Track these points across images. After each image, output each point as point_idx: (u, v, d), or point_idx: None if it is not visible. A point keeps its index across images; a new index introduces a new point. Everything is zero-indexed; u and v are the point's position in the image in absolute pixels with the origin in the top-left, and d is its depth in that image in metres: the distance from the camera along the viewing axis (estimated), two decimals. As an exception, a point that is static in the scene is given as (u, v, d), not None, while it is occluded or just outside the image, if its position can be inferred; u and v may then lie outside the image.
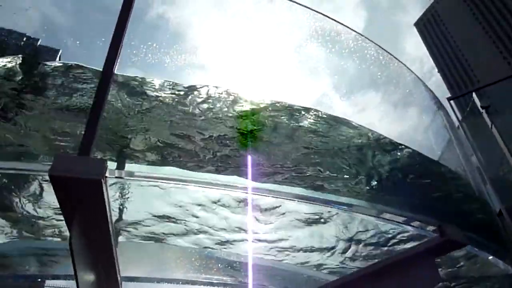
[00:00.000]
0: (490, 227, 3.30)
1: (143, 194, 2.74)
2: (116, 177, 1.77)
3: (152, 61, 2.54)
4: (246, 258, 3.76)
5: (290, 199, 2.36)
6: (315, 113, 2.72)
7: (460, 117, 4.76)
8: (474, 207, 3.34)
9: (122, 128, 2.31)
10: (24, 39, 2.81)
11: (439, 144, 3.94)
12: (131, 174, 1.93)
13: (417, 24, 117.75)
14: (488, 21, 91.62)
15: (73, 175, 1.32)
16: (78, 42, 2.82)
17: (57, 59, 2.76)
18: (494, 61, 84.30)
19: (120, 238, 3.25)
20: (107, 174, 1.45)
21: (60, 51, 2.84)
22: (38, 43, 2.81)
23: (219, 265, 4.02)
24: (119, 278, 2.11)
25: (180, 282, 4.27)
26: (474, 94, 4.90)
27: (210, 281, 4.24)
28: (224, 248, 3.56)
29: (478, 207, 3.39)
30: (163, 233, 3.26)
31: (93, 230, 1.56)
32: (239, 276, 4.22)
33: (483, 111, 4.68)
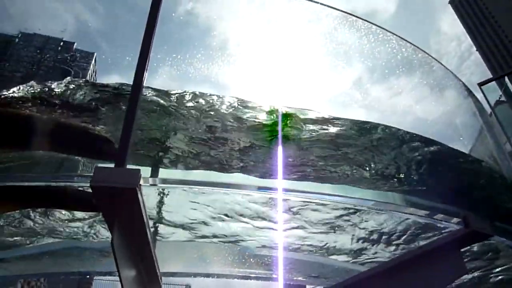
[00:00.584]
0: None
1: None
2: (150, 185, 1.92)
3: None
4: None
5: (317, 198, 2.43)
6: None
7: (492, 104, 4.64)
8: (505, 197, 3.29)
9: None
10: (61, 43, 2.98)
11: (469, 133, 3.88)
12: (165, 181, 2.10)
13: (452, 2, 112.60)
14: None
15: (111, 185, 1.48)
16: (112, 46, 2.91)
17: (93, 61, 2.94)
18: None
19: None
20: (141, 183, 1.60)
21: (95, 54, 3.03)
22: (74, 46, 2.98)
23: (252, 260, 4.15)
24: (158, 273, 2.30)
25: (216, 276, 4.46)
26: (506, 78, 4.75)
27: (244, 274, 4.38)
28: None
29: (510, 196, 3.33)
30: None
31: (131, 232, 1.73)
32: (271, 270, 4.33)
33: (517, 96, 4.54)
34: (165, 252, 3.75)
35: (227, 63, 2.85)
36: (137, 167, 1.66)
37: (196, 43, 2.92)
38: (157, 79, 2.67)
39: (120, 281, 1.75)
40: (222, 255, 4.07)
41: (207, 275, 4.47)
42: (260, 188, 2.47)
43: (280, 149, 2.55)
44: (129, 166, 1.61)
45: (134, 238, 1.77)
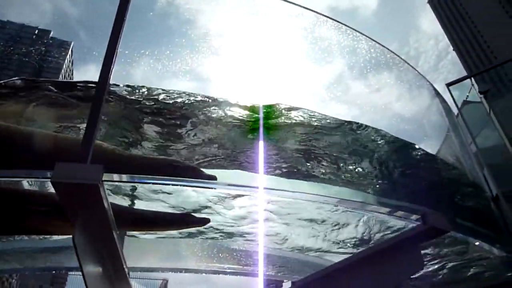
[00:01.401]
0: (482, 213, 3.39)
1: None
2: (115, 181, 1.93)
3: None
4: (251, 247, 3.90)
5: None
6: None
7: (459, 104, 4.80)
8: (466, 194, 3.43)
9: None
10: (36, 32, 2.89)
11: (437, 133, 4.01)
12: (131, 177, 2.09)
13: (431, 1, 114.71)
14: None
15: (72, 181, 1.49)
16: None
17: (69, 51, 2.88)
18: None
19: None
20: (104, 178, 1.61)
21: (72, 43, 2.96)
22: (50, 35, 2.90)
23: (227, 254, 4.17)
24: (126, 269, 2.31)
25: (193, 272, 4.47)
26: (473, 80, 4.92)
27: (222, 269, 4.40)
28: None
29: (471, 193, 3.47)
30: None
31: (95, 228, 1.74)
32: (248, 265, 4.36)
33: (482, 96, 4.71)
34: (141, 247, 3.75)
35: (209, 55, 2.86)
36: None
37: (176, 35, 2.91)
38: (136, 70, 2.67)
39: (83, 277, 1.76)
40: (198, 250, 4.09)
41: (185, 271, 4.48)
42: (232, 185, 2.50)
43: (261, 144, 2.59)
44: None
45: (98, 234, 1.79)
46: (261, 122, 2.74)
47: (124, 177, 1.98)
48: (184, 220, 2.90)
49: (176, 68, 2.70)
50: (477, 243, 3.00)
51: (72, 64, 2.90)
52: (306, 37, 3.38)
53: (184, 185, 2.38)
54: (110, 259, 2.03)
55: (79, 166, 1.57)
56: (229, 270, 4.43)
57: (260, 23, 3.22)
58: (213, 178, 2.20)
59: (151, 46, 2.79)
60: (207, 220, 2.90)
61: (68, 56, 2.91)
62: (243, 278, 4.69)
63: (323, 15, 3.23)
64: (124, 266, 2.26)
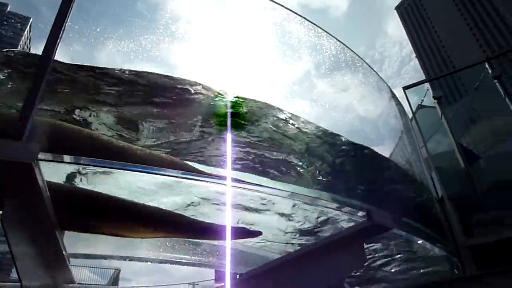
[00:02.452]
0: (427, 213, 3.54)
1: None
2: (52, 161, 1.82)
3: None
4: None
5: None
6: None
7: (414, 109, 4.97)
8: (413, 195, 3.56)
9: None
10: None
11: (392, 135, 4.12)
12: (75, 159, 1.99)
13: (398, 8, 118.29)
14: (467, 8, 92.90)
15: (3, 158, 1.39)
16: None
17: (27, 27, 2.69)
18: (470, 49, 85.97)
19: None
20: (41, 157, 1.53)
21: (31, 19, 2.76)
22: (7, 9, 2.70)
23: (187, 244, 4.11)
24: (65, 254, 2.21)
25: (146, 261, 4.37)
26: (428, 85, 5.11)
27: (179, 260, 4.34)
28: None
29: (418, 194, 3.62)
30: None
31: (29, 210, 1.65)
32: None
33: (435, 101, 4.90)
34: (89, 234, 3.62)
35: (176, 42, 2.78)
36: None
37: (144, 18, 2.81)
38: (101, 53, 2.56)
39: (13, 261, 1.67)
40: (153, 239, 4.01)
41: (138, 259, 4.38)
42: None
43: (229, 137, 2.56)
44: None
45: (32, 216, 1.69)
46: (229, 114, 2.70)
47: (66, 157, 1.88)
48: (242, 232, 3.10)
49: (142, 53, 2.62)
50: (419, 242, 3.12)
51: (29, 41, 2.72)
52: (277, 32, 3.36)
53: (134, 170, 2.31)
54: (46, 243, 1.94)
55: (14, 143, 1.47)
56: (184, 261, 4.39)
57: (231, 13, 3.18)
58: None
59: (117, 29, 2.68)
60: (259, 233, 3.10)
61: (25, 33, 2.73)
62: (197, 269, 4.65)
63: (296, 13, 3.23)
64: (64, 252, 2.17)
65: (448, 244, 3.69)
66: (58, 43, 1.80)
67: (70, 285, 2.44)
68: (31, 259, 1.86)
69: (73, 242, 3.35)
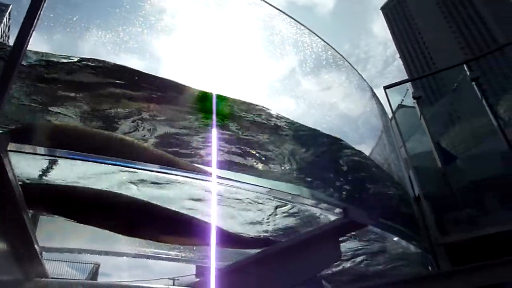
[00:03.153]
0: (403, 211, 3.61)
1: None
2: (25, 152, 1.78)
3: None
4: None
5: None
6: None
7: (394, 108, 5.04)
8: (390, 193, 3.62)
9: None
10: None
11: (373, 134, 4.17)
12: (49, 151, 1.95)
13: (383, 8, 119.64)
14: (450, 11, 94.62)
15: (-30, 149, 1.36)
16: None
17: (6, 15, 2.62)
18: (451, 48, 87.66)
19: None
20: (10, 149, 1.49)
21: (11, 6, 2.70)
22: None
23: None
24: (37, 248, 2.17)
25: (125, 256, 4.32)
26: (410, 85, 5.19)
27: (157, 255, 4.31)
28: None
29: (395, 193, 3.68)
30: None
31: (-3, 202, 1.61)
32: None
33: (415, 101, 4.98)
34: (67, 227, 3.56)
35: (161, 35, 2.75)
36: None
37: (128, 10, 2.76)
38: (84, 43, 2.50)
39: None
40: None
41: (115, 254, 4.32)
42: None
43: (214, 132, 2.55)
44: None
45: (1, 210, 1.65)
46: (214, 110, 2.69)
47: (39, 149, 1.84)
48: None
49: (126, 44, 2.58)
50: (395, 239, 3.18)
51: (8, 29, 2.65)
52: (263, 28, 3.36)
53: (119, 165, 2.28)
54: (17, 237, 1.89)
55: (-19, 134, 1.43)
56: (163, 256, 4.35)
57: (217, 8, 3.16)
58: None
59: (100, 19, 2.64)
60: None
61: (5, 20, 2.67)
62: (180, 264, 4.63)
63: (279, 9, 3.23)
64: (36, 246, 2.13)
65: (423, 241, 3.77)
66: (32, 31, 1.76)
67: (43, 279, 2.40)
68: (2, 253, 1.82)
69: (48, 236, 3.30)
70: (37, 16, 1.81)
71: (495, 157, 4.81)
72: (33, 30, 1.76)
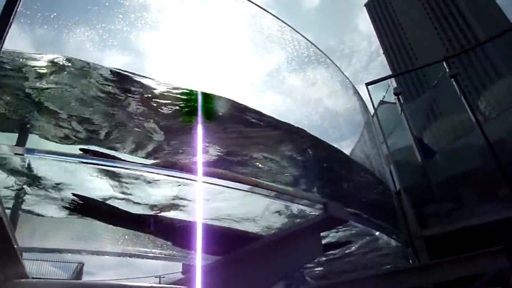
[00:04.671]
0: (384, 206, 3.67)
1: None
2: (6, 154, 1.76)
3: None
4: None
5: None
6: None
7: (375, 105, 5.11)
8: (371, 188, 3.68)
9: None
10: None
11: (354, 130, 4.22)
12: (31, 151, 1.93)
13: (367, 5, 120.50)
14: (432, 8, 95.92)
15: None
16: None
17: None
18: (434, 45, 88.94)
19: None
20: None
21: None
22: None
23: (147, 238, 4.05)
24: (16, 248, 2.14)
25: (109, 255, 4.27)
26: (393, 81, 5.26)
27: (140, 253, 4.28)
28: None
29: (376, 188, 3.74)
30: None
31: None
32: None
33: (396, 97, 5.06)
34: (51, 227, 3.51)
35: (146, 30, 2.72)
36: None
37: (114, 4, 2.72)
38: (69, 39, 2.46)
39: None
40: (114, 232, 3.93)
41: (97, 253, 4.27)
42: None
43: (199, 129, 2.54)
44: None
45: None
46: (199, 108, 2.68)
47: (18, 149, 1.82)
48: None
49: (111, 40, 2.54)
50: (376, 233, 3.24)
51: None
52: (250, 25, 3.36)
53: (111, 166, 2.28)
54: (-4, 237, 1.87)
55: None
56: (146, 254, 4.33)
57: (203, 4, 3.14)
58: None
59: (86, 14, 2.59)
60: None
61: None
62: (166, 263, 4.61)
63: (262, 8, 3.23)
64: (15, 246, 2.10)
65: (403, 235, 3.85)
66: (8, 30, 1.73)
67: (23, 280, 2.37)
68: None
69: (28, 236, 3.26)
70: (14, 12, 1.78)
71: (473, 151, 4.93)
72: (9, 28, 1.73)
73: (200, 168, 2.51)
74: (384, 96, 5.48)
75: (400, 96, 5.14)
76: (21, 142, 2.09)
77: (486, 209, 4.11)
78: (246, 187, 2.56)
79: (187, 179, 2.48)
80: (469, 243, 3.81)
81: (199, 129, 2.60)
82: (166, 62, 2.89)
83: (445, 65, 5.02)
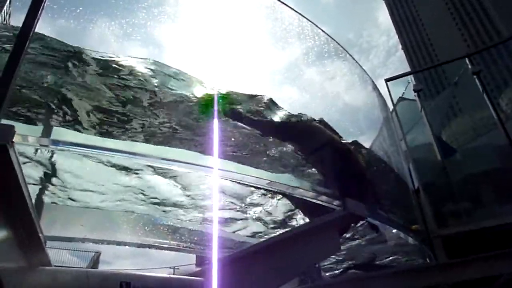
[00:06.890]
0: (402, 204, 3.64)
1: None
2: (30, 145, 1.80)
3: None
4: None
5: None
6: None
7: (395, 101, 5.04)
8: (390, 186, 3.65)
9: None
10: None
11: (371, 126, 4.17)
12: (53, 142, 1.97)
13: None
14: (454, 3, 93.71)
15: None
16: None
17: (7, 2, 2.62)
18: (454, 41, 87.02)
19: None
20: (16, 140, 1.51)
21: None
22: None
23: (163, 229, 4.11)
24: (41, 237, 2.20)
25: (126, 245, 4.35)
26: (412, 78, 5.17)
27: (158, 244, 4.34)
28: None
29: (395, 185, 3.70)
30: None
31: (2, 192, 1.63)
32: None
33: (415, 94, 4.98)
34: (67, 217, 3.59)
35: (164, 22, 2.75)
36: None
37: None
38: (94, 30, 2.51)
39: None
40: (133, 223, 4.00)
41: (116, 243, 4.36)
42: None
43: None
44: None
45: (7, 198, 1.68)
46: (215, 104, 2.70)
47: (44, 140, 1.87)
48: None
49: (132, 31, 2.58)
50: (394, 231, 3.21)
51: (9, 17, 2.65)
52: (262, 20, 3.35)
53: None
54: (22, 226, 1.92)
55: (-12, 125, 1.46)
56: (164, 245, 4.39)
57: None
58: None
59: (109, 6, 2.64)
60: None
61: (5, 8, 2.65)
62: (180, 254, 4.68)
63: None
64: (40, 234, 2.16)
65: (421, 233, 3.80)
66: (39, 16, 1.76)
67: (47, 267, 2.43)
68: (6, 242, 1.85)
69: (50, 224, 3.34)
70: (42, 5, 1.81)
71: (494, 150, 4.83)
72: (38, 19, 1.77)
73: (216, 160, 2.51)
74: (403, 93, 5.42)
75: (420, 93, 5.07)
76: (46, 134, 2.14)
77: (505, 210, 4.03)
78: (265, 182, 2.57)
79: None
80: (487, 244, 3.74)
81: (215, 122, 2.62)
82: (185, 54, 2.91)
83: (467, 61, 4.92)
